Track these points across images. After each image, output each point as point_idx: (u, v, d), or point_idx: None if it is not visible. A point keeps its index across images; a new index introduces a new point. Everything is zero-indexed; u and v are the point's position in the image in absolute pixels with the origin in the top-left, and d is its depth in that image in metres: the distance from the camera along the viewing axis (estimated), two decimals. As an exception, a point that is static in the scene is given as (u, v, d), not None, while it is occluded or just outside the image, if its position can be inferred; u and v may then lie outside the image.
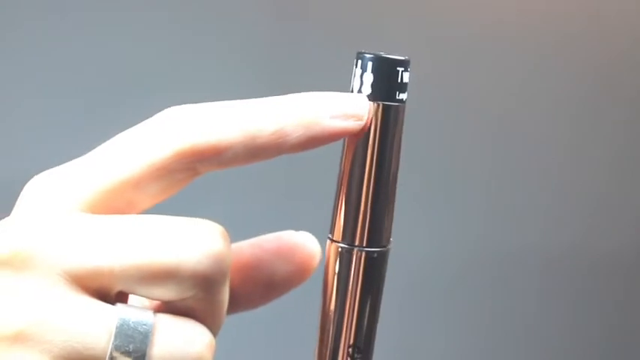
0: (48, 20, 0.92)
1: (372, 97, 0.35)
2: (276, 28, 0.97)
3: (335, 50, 0.87)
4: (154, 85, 0.94)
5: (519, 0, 1.01)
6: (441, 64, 1.00)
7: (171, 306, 0.32)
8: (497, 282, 1.04)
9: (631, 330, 1.08)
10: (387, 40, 0.97)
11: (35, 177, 0.34)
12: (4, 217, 0.33)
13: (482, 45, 1.00)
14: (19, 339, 0.30)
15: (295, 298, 0.76)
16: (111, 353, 0.31)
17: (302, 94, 0.34)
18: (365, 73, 0.34)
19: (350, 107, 0.34)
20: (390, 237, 0.36)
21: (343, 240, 0.35)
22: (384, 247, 0.36)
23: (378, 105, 0.35)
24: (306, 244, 0.38)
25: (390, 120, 0.35)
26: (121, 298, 0.32)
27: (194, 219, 0.33)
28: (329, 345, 0.36)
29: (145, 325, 0.31)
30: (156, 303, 0.33)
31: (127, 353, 0.31)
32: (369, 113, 0.35)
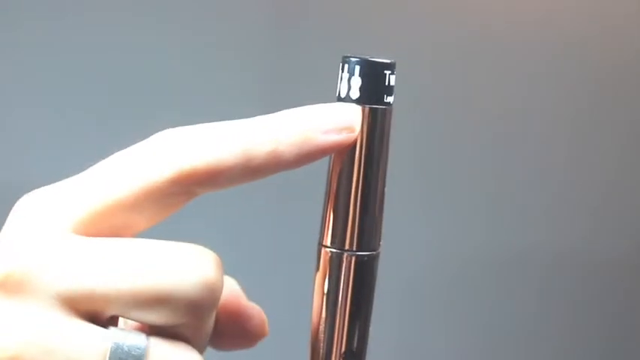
0: (48, 23, 0.92)
1: (360, 101, 0.35)
2: (275, 29, 0.97)
3: (333, 52, 0.87)
4: (155, 86, 0.94)
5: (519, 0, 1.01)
6: (440, 64, 1.00)
7: (161, 329, 0.32)
8: (497, 284, 1.04)
9: (632, 332, 1.08)
10: (386, 42, 0.97)
11: (28, 194, 0.33)
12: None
13: (482, 44, 1.00)
14: None
15: (286, 305, 0.76)
16: None
17: (293, 110, 0.34)
18: (352, 77, 0.35)
19: (342, 120, 0.34)
20: (380, 240, 0.36)
21: (333, 245, 0.35)
22: (375, 250, 0.36)
23: (366, 108, 0.35)
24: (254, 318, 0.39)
25: (378, 123, 0.35)
26: (112, 321, 0.32)
27: (189, 245, 0.33)
28: (322, 351, 0.36)
29: (138, 349, 0.31)
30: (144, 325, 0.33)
31: None
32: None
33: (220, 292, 0.33)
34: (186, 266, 0.32)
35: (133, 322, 0.34)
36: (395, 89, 0.35)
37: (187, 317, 0.32)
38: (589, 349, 1.07)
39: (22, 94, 0.93)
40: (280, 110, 0.34)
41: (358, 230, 0.35)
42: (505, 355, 1.06)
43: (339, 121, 0.34)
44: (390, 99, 0.35)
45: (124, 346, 0.31)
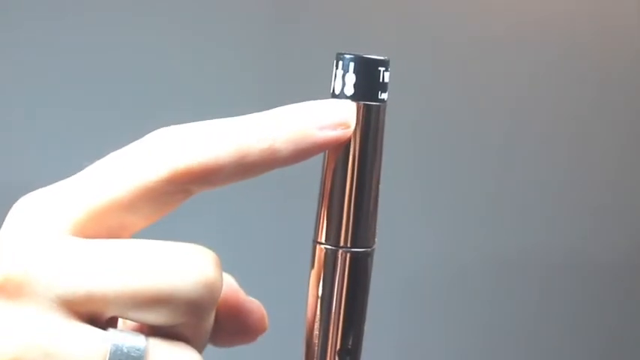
0: (48, 23, 0.92)
1: (354, 98, 0.35)
2: (275, 28, 0.97)
3: (333, 51, 0.87)
4: (154, 86, 0.94)
5: (519, 0, 1.02)
6: (441, 63, 1.00)
7: (161, 329, 0.33)
8: (497, 283, 1.04)
9: (630, 334, 1.08)
10: (386, 41, 0.97)
11: (24, 196, 0.34)
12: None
13: (484, 44, 1.00)
14: None
15: (285, 303, 0.76)
16: None
17: (289, 107, 0.34)
18: (347, 74, 0.35)
19: (337, 116, 0.35)
20: (374, 237, 0.36)
21: (327, 241, 0.35)
22: (369, 247, 0.36)
23: (361, 105, 0.35)
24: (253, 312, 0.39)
25: (372, 120, 0.35)
26: (111, 321, 0.33)
27: (187, 244, 0.33)
28: (317, 349, 0.36)
29: (137, 350, 0.32)
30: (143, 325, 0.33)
31: None
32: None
33: (219, 291, 0.33)
34: (184, 266, 0.32)
35: (132, 322, 0.34)
36: (389, 86, 0.35)
37: (186, 317, 0.32)
38: (589, 349, 1.07)
39: (21, 94, 0.93)
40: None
41: (353, 227, 0.35)
42: (505, 355, 1.06)
43: (334, 117, 0.35)
44: (384, 96, 0.35)
45: (124, 348, 0.31)
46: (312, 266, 0.36)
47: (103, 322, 0.32)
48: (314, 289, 0.36)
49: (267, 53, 0.97)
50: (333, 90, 0.35)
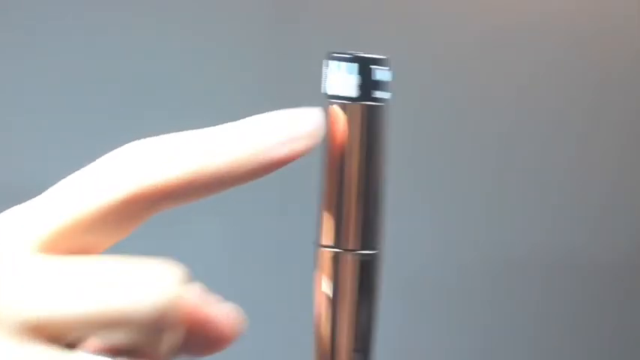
0: (49, 23, 0.92)
1: (354, 99, 0.34)
2: (274, 29, 0.97)
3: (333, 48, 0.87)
4: (153, 87, 0.94)
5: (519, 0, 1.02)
6: (442, 63, 1.00)
7: (126, 350, 0.32)
8: (498, 285, 1.04)
9: (633, 334, 1.08)
10: (386, 41, 0.97)
11: None
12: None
13: (484, 44, 1.00)
14: None
15: (281, 304, 0.76)
16: None
17: (251, 120, 0.34)
18: (344, 74, 0.34)
19: (301, 128, 0.34)
20: (382, 239, 0.35)
21: (336, 245, 0.35)
22: (377, 249, 0.35)
23: (362, 106, 0.34)
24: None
25: (373, 120, 0.34)
26: (76, 343, 0.32)
27: (150, 262, 0.32)
28: (329, 354, 0.35)
29: None
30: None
31: None
32: (352, 116, 0.35)
33: (182, 308, 0.32)
34: (147, 284, 0.31)
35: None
36: (390, 85, 0.35)
37: (149, 337, 0.32)
38: (589, 349, 1.07)
39: (21, 95, 0.93)
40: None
41: (360, 229, 0.35)
42: (505, 355, 1.06)
43: (296, 130, 0.34)
44: (384, 95, 0.35)
45: None
46: (319, 270, 0.36)
47: (66, 344, 0.32)
48: (322, 294, 0.35)
49: (267, 53, 0.97)
50: (326, 91, 0.35)
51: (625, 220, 1.06)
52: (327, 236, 0.35)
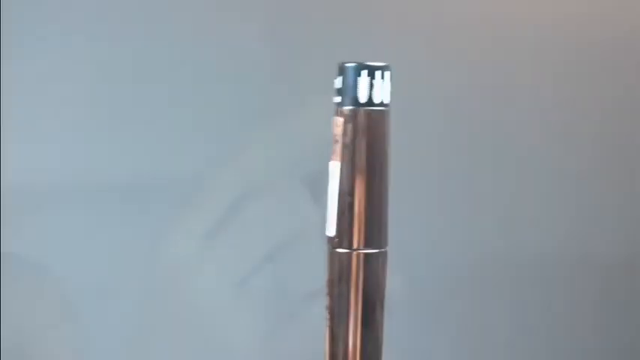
0: (53, 24, 0.93)
1: (361, 104, 0.36)
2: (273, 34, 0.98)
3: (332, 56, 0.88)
4: (153, 86, 0.95)
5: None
6: (442, 66, 1.01)
7: None
8: (498, 285, 1.05)
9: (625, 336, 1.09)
10: (385, 48, 0.98)
11: None
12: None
13: (484, 44, 1.01)
14: None
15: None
16: None
17: None
18: (353, 81, 0.36)
19: None
20: (387, 238, 0.37)
21: (344, 244, 0.37)
22: (383, 248, 0.37)
23: (363, 111, 0.36)
24: None
25: (379, 124, 0.36)
26: None
27: None
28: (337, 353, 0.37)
29: None
30: None
31: None
32: (360, 120, 0.37)
33: None
34: None
35: None
36: (391, 91, 0.37)
37: None
38: (586, 349, 1.08)
39: (23, 94, 0.94)
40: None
41: (365, 229, 0.37)
42: (504, 355, 1.07)
43: None
44: (385, 100, 0.36)
45: None
46: (328, 270, 0.37)
47: None
48: (331, 292, 0.37)
49: (268, 54, 0.98)
50: (336, 98, 0.37)
51: (620, 223, 1.07)
52: (335, 235, 0.37)
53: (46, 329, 0.70)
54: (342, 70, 0.36)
